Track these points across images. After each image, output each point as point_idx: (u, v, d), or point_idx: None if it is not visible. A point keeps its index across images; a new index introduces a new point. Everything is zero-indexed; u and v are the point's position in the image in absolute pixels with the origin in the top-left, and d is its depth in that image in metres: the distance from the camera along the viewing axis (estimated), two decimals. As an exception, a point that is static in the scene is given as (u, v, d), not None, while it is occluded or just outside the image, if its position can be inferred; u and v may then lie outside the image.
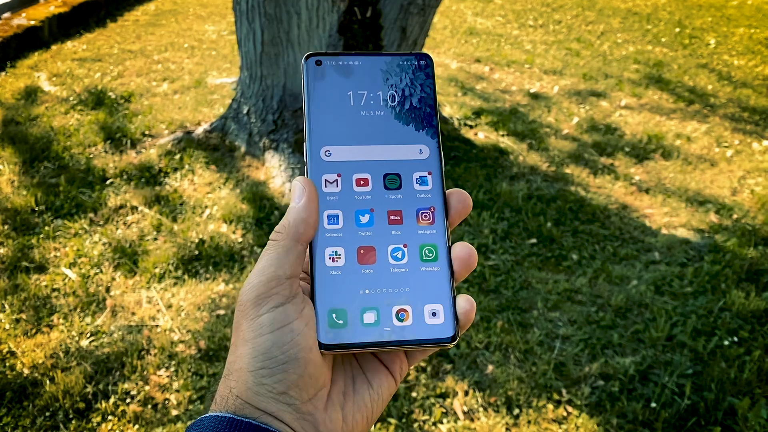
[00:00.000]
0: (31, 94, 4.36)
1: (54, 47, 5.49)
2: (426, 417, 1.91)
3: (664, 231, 2.92)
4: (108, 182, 3.20)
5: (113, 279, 2.50)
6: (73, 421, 1.87)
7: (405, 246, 0.48)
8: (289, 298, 0.43)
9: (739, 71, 5.42)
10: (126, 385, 1.99)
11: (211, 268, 2.57)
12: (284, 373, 0.41)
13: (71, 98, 4.30)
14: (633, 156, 3.71)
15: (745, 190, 3.33)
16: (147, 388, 1.99)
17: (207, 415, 0.41)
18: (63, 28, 5.82)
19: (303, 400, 0.42)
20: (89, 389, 1.98)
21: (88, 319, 2.28)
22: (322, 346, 0.44)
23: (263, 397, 0.41)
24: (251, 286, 0.43)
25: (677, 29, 6.72)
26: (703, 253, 2.73)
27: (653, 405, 1.94)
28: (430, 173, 0.50)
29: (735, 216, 3.05)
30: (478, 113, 4.19)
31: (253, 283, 0.43)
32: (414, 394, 1.98)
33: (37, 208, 2.94)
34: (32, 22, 5.45)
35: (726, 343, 2.19)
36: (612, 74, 5.22)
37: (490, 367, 2.09)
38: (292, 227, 0.45)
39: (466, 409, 1.94)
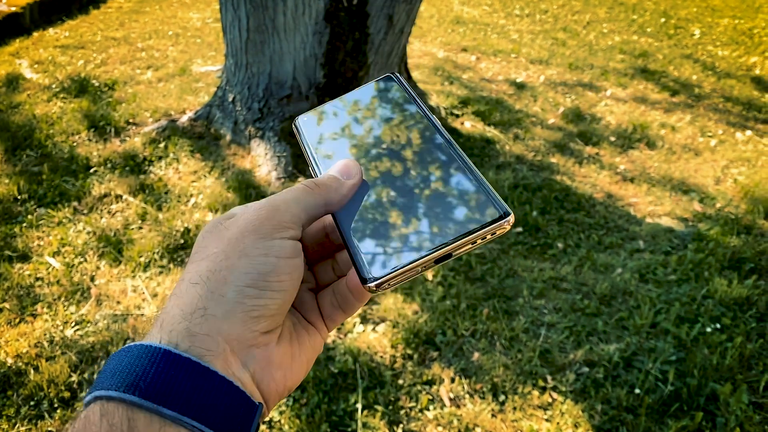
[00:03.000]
0: (13, 81, 4.30)
1: (36, 34, 5.41)
2: (413, 404, 1.92)
3: (648, 220, 2.94)
4: (92, 171, 3.17)
5: (98, 268, 2.48)
6: (58, 411, 1.86)
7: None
8: (298, 238, 0.42)
9: (723, 62, 5.46)
10: (111, 374, 1.98)
11: (196, 256, 2.55)
12: (271, 300, 0.39)
13: (54, 86, 4.24)
14: (618, 145, 3.73)
15: (729, 180, 3.36)
16: (133, 376, 1.98)
17: (139, 342, 0.37)
18: (45, 14, 5.74)
19: (265, 330, 0.40)
20: (74, 378, 1.96)
21: (73, 308, 2.26)
22: (371, 280, 0.43)
23: (229, 322, 0.38)
24: (273, 209, 0.41)
25: (662, 19, 6.75)
26: (687, 242, 2.76)
27: (637, 391, 1.97)
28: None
29: (718, 205, 3.08)
30: (464, 103, 4.19)
31: (279, 207, 0.42)
32: (400, 382, 1.99)
33: (19, 197, 2.91)
34: (13, 9, 5.37)
35: (709, 330, 2.21)
36: (598, 64, 5.23)
37: (476, 355, 2.10)
38: (334, 196, 0.45)
39: (452, 395, 1.95)
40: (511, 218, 0.44)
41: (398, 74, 0.57)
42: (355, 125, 0.54)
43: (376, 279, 0.43)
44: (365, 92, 0.57)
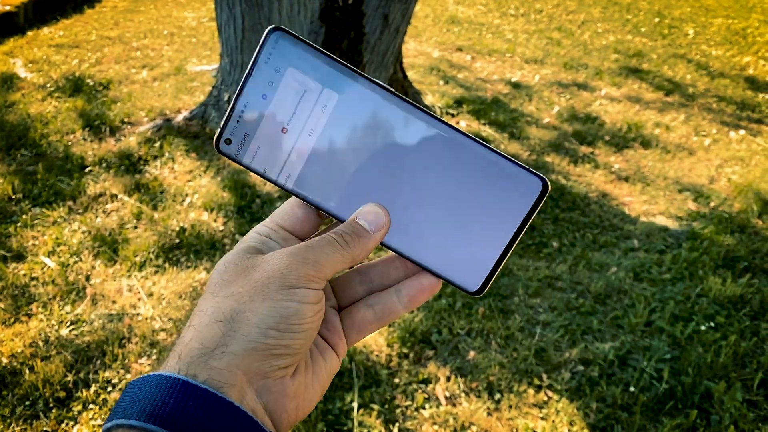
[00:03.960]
0: (7, 80, 4.29)
1: (30, 33, 5.39)
2: (408, 403, 1.92)
3: (643, 218, 2.96)
4: (87, 170, 3.16)
5: (93, 267, 2.47)
6: (54, 410, 1.86)
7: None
8: (322, 288, 0.43)
9: (717, 61, 5.48)
10: (107, 374, 1.98)
11: (192, 256, 2.55)
12: (292, 340, 0.41)
13: (48, 85, 4.23)
14: (613, 145, 3.74)
15: (723, 178, 3.38)
16: (128, 376, 1.98)
17: (158, 373, 0.38)
18: (39, 13, 5.72)
19: (284, 366, 0.41)
20: (70, 378, 1.96)
21: (68, 308, 2.26)
22: (479, 291, 0.48)
23: (249, 358, 0.39)
24: (302, 261, 0.42)
25: (657, 19, 6.78)
26: (681, 240, 2.77)
27: (632, 389, 1.97)
28: None
29: (712, 204, 3.10)
30: (459, 102, 4.19)
31: (307, 260, 0.42)
32: (396, 380, 1.99)
33: (14, 196, 2.90)
34: (7, 8, 5.35)
35: (703, 328, 2.23)
36: (592, 64, 5.25)
37: (472, 353, 2.11)
38: (361, 253, 0.46)
39: (448, 394, 1.96)
40: (548, 184, 0.47)
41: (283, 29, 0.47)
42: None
43: (484, 288, 0.47)
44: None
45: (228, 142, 0.47)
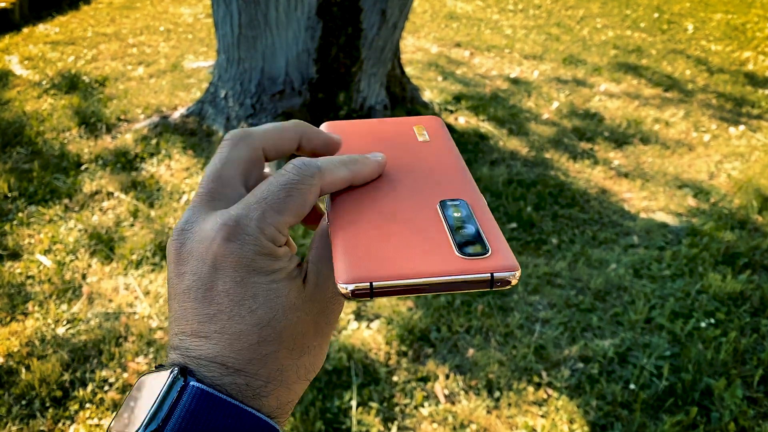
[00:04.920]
0: (2, 77, 4.26)
1: (25, 30, 5.37)
2: (407, 401, 1.91)
3: (642, 215, 2.94)
4: (83, 168, 3.14)
5: (89, 266, 2.46)
6: (50, 410, 1.84)
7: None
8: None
9: (716, 57, 5.47)
10: (104, 373, 1.97)
11: (189, 254, 2.53)
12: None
13: (44, 82, 4.21)
14: (612, 141, 3.73)
15: (722, 174, 3.36)
16: (125, 375, 1.97)
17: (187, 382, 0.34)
18: (34, 10, 5.69)
19: None
20: (66, 377, 1.95)
21: (64, 307, 2.24)
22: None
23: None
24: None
25: (656, 14, 6.76)
26: (681, 237, 2.76)
27: (632, 386, 1.96)
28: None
29: (712, 200, 3.08)
30: (458, 98, 4.17)
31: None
32: (395, 378, 1.98)
33: (9, 194, 2.88)
34: (2, 4, 5.32)
35: (703, 324, 2.21)
36: (591, 59, 5.23)
37: (471, 351, 2.09)
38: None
39: (447, 392, 1.94)
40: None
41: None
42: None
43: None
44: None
45: None
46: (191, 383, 0.34)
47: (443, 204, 0.43)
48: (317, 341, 0.38)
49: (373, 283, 0.36)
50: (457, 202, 0.43)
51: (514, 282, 0.38)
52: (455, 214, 0.42)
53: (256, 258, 0.36)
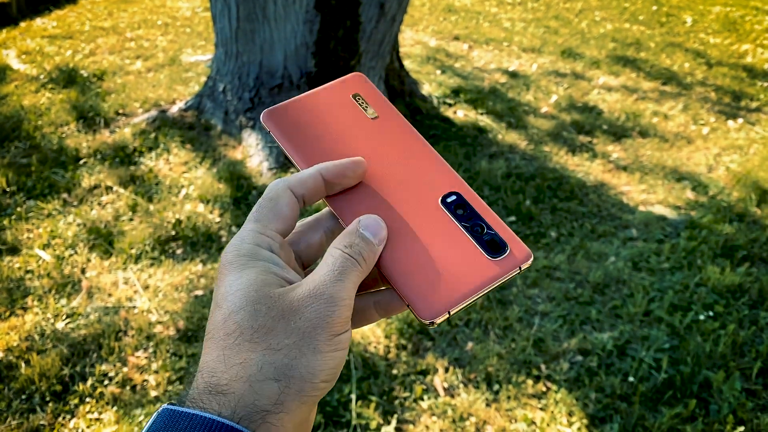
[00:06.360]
0: (0, 72, 4.25)
1: (23, 24, 5.35)
2: (407, 394, 1.91)
3: (641, 208, 2.95)
4: (81, 162, 3.14)
5: (88, 260, 2.46)
6: (50, 404, 1.84)
7: None
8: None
9: (715, 49, 5.46)
10: (104, 367, 1.97)
11: (188, 248, 2.53)
12: (334, 381, 0.43)
13: (42, 76, 4.20)
14: (611, 134, 3.73)
15: (721, 167, 3.36)
16: (125, 369, 1.97)
17: (210, 416, 0.39)
18: (32, 4, 5.67)
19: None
20: (66, 371, 1.95)
21: (64, 301, 2.24)
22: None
23: (300, 410, 0.41)
24: (339, 302, 0.42)
25: (654, 7, 6.75)
26: (680, 230, 2.76)
27: (631, 379, 1.97)
28: None
29: (711, 193, 3.09)
30: (456, 92, 4.17)
31: (343, 299, 0.43)
32: (395, 372, 1.98)
33: (8, 189, 2.88)
34: (-1, -2, 5.30)
35: (702, 317, 2.22)
36: (590, 52, 5.22)
37: (470, 344, 2.10)
38: (370, 266, 0.46)
39: (446, 385, 1.95)
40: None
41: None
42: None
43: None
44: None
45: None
46: (163, 406, 0.40)
47: (445, 204, 0.49)
48: (290, 340, 0.42)
49: (450, 311, 0.44)
50: (454, 197, 0.49)
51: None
52: (459, 212, 0.48)
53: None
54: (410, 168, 0.50)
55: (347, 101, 0.54)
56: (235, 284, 0.43)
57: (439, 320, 0.44)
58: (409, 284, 0.45)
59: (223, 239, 2.59)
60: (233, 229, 2.66)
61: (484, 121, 3.79)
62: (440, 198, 0.49)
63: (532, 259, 0.47)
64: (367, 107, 0.53)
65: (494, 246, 0.47)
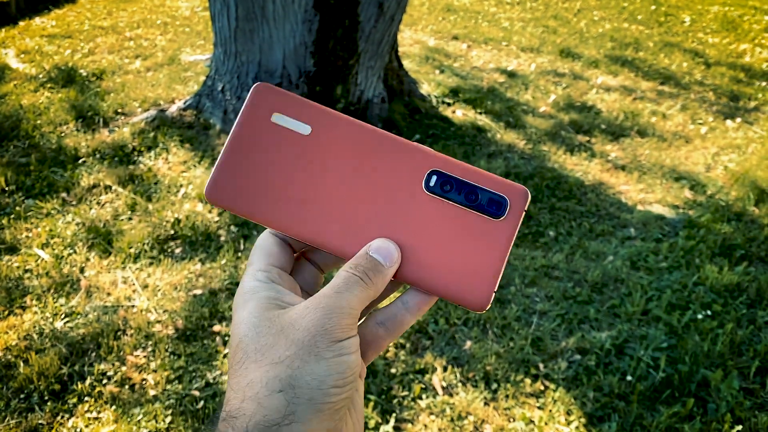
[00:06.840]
0: (-1, 71, 4.25)
1: (22, 23, 5.34)
2: (405, 393, 1.92)
3: (639, 207, 2.95)
4: (80, 161, 3.14)
5: (87, 259, 2.46)
6: (49, 403, 1.85)
7: None
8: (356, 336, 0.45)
9: (714, 49, 5.47)
10: (102, 366, 1.97)
11: (187, 247, 2.54)
12: (350, 390, 0.43)
13: (41, 76, 4.20)
14: (609, 133, 3.73)
15: (719, 167, 3.37)
16: (124, 368, 1.97)
17: None
18: (31, 3, 5.67)
19: (342, 416, 0.43)
20: (65, 371, 1.95)
21: (62, 300, 2.24)
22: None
23: (317, 420, 0.41)
24: (338, 311, 0.43)
25: (653, 7, 6.75)
26: (678, 229, 2.76)
27: (629, 378, 1.97)
28: None
29: (709, 192, 3.09)
30: (455, 91, 4.17)
31: (343, 308, 0.43)
32: (393, 371, 1.99)
33: (7, 188, 2.88)
34: (-2, -3, 5.30)
35: (700, 316, 2.22)
36: (588, 52, 5.23)
37: (469, 343, 2.10)
38: (381, 288, 0.47)
39: (444, 384, 1.95)
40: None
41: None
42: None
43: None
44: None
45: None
46: None
47: (430, 188, 0.48)
48: (291, 351, 0.42)
49: (495, 289, 0.46)
50: (435, 177, 0.48)
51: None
52: (447, 188, 0.48)
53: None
54: (376, 170, 0.48)
55: (270, 127, 0.48)
56: (240, 318, 0.44)
57: (489, 304, 0.46)
58: (450, 286, 0.47)
59: (222, 238, 2.60)
60: (232, 228, 2.66)
61: (483, 120, 3.80)
62: (423, 185, 0.47)
63: (529, 195, 0.47)
64: (295, 124, 0.48)
65: (495, 205, 0.47)
